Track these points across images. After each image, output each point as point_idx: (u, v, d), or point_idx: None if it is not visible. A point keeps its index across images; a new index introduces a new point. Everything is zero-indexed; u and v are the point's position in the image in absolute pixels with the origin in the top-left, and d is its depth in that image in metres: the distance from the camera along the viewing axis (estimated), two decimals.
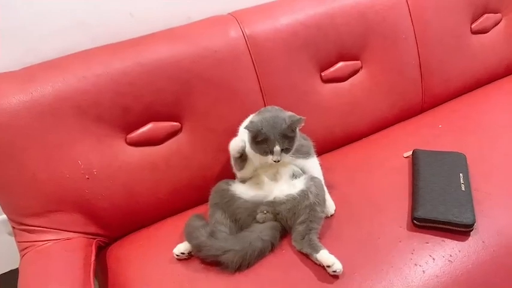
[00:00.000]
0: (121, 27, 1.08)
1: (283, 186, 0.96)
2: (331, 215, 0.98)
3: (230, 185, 0.99)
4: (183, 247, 0.91)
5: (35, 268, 0.89)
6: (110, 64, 0.99)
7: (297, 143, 0.93)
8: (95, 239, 0.99)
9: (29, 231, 0.94)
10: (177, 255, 0.91)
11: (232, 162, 0.98)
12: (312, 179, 0.95)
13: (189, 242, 0.91)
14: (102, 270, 0.98)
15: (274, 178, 0.97)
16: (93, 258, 0.93)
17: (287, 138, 0.90)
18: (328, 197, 0.98)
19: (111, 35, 1.06)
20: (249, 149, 0.94)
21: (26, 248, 0.93)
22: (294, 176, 0.97)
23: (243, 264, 0.87)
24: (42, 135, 0.93)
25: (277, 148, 0.89)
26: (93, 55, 1.00)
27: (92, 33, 1.06)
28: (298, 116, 0.90)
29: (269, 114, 0.94)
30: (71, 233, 0.96)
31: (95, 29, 1.06)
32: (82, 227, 0.98)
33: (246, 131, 0.90)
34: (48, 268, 0.88)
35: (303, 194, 0.92)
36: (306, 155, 1.00)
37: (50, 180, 0.94)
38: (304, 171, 0.99)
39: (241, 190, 0.97)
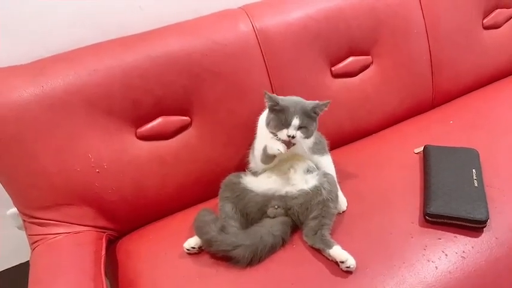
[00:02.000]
0: (130, 21, 1.08)
1: (295, 181, 0.95)
2: (343, 212, 0.97)
3: (241, 177, 0.98)
4: (193, 241, 0.91)
5: (46, 261, 0.89)
6: (120, 57, 0.98)
7: (315, 133, 0.92)
8: (105, 232, 0.99)
9: (39, 224, 0.94)
10: (187, 250, 0.91)
11: (262, 157, 0.95)
12: (325, 175, 0.95)
13: (200, 236, 0.90)
14: (111, 264, 0.98)
15: (288, 172, 0.97)
16: (103, 251, 0.93)
17: (308, 117, 0.89)
18: (340, 193, 0.97)
19: (120, 28, 1.05)
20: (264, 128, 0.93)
21: (36, 241, 0.93)
22: (309, 171, 0.96)
23: (254, 259, 0.87)
24: (53, 129, 0.93)
25: (295, 121, 0.87)
26: (103, 48, 1.00)
27: (101, 26, 1.05)
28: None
29: (293, 97, 0.95)
30: (81, 227, 0.96)
31: (104, 22, 1.06)
32: (92, 220, 0.98)
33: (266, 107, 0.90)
34: (59, 261, 0.88)
35: (316, 189, 0.91)
36: (322, 151, 0.99)
37: (60, 173, 0.94)
38: (318, 168, 0.99)
39: (253, 183, 0.97)
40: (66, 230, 0.95)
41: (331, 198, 0.90)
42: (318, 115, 0.91)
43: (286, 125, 0.87)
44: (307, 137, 0.91)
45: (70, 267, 0.86)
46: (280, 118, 0.88)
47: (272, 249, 0.88)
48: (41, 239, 0.93)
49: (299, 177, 0.96)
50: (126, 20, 1.07)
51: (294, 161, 0.97)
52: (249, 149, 1.04)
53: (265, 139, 0.93)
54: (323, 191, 0.90)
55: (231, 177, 0.99)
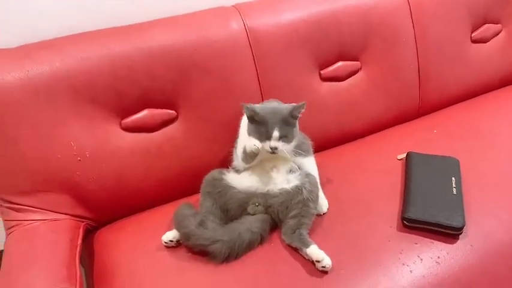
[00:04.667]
0: (121, 11, 1.07)
1: (278, 180, 0.95)
2: (323, 213, 0.97)
3: (224, 174, 0.98)
4: (171, 235, 0.91)
5: (20, 247, 0.88)
6: (109, 47, 0.98)
7: (297, 137, 0.92)
8: (82, 222, 0.99)
9: (16, 210, 0.93)
10: (165, 243, 0.91)
11: (243, 156, 0.95)
12: (307, 175, 0.95)
13: (178, 230, 0.90)
14: (88, 254, 0.97)
15: (270, 171, 0.97)
16: (79, 240, 0.92)
17: (288, 125, 0.89)
18: (321, 195, 0.98)
19: (111, 18, 1.05)
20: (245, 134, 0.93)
21: (12, 227, 0.92)
22: (291, 171, 0.97)
23: (231, 255, 0.86)
24: (36, 114, 0.92)
25: (275, 133, 0.87)
26: (93, 37, 1.00)
27: (92, 15, 1.05)
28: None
29: (271, 104, 0.94)
30: (59, 214, 0.95)
31: (95, 11, 1.05)
32: (70, 208, 0.97)
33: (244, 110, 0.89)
34: (34, 248, 0.87)
35: (297, 189, 0.92)
36: (305, 153, 0.99)
37: (40, 159, 0.93)
38: (301, 169, 0.99)
39: (235, 180, 0.97)
40: (43, 217, 0.94)
41: (312, 198, 0.91)
42: (296, 118, 0.91)
43: (268, 137, 0.88)
44: (290, 142, 0.91)
45: (44, 254, 0.85)
46: (260, 130, 0.88)
47: (250, 246, 0.88)
48: (17, 225, 0.92)
49: (281, 177, 0.96)
50: (117, 11, 1.07)
51: (277, 161, 0.97)
52: (233, 146, 1.04)
53: (245, 139, 0.94)
54: (304, 191, 0.91)
55: (213, 173, 0.99)
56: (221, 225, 0.92)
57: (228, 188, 0.95)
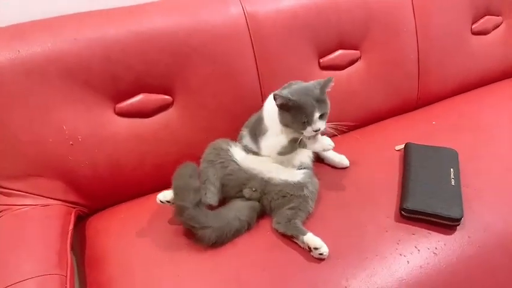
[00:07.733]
0: None
1: (283, 171, 0.94)
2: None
3: (230, 146, 0.96)
4: (169, 195, 0.87)
5: (9, 232, 0.85)
6: (103, 29, 0.95)
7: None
8: (74, 208, 0.96)
9: (6, 195, 0.91)
10: (160, 201, 0.88)
11: (281, 151, 0.93)
12: (311, 177, 0.94)
13: (176, 198, 0.85)
14: (79, 242, 0.95)
15: (281, 163, 0.95)
16: (71, 227, 0.90)
17: (323, 102, 0.87)
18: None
19: (106, 1, 1.02)
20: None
21: (1, 212, 0.90)
22: (300, 167, 0.96)
23: (218, 242, 0.85)
24: (27, 96, 0.89)
25: (316, 115, 0.85)
26: (87, 18, 0.97)
27: None
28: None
29: (296, 85, 0.91)
30: (50, 200, 0.93)
31: None
32: (62, 194, 0.95)
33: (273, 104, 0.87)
34: (23, 233, 0.85)
35: (299, 185, 0.91)
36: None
37: (32, 143, 0.90)
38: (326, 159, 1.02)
39: (240, 156, 0.95)
40: (34, 202, 0.92)
41: (312, 198, 0.91)
42: (326, 93, 0.89)
43: (309, 121, 0.85)
44: (326, 119, 0.89)
45: (34, 239, 0.83)
46: (298, 116, 0.85)
47: (237, 233, 0.87)
48: (6, 210, 0.90)
49: (288, 170, 0.95)
50: None
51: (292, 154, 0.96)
52: (244, 126, 1.02)
53: (284, 134, 0.91)
54: (305, 189, 0.90)
55: (220, 142, 0.96)
56: (219, 197, 0.91)
57: (231, 162, 0.93)
